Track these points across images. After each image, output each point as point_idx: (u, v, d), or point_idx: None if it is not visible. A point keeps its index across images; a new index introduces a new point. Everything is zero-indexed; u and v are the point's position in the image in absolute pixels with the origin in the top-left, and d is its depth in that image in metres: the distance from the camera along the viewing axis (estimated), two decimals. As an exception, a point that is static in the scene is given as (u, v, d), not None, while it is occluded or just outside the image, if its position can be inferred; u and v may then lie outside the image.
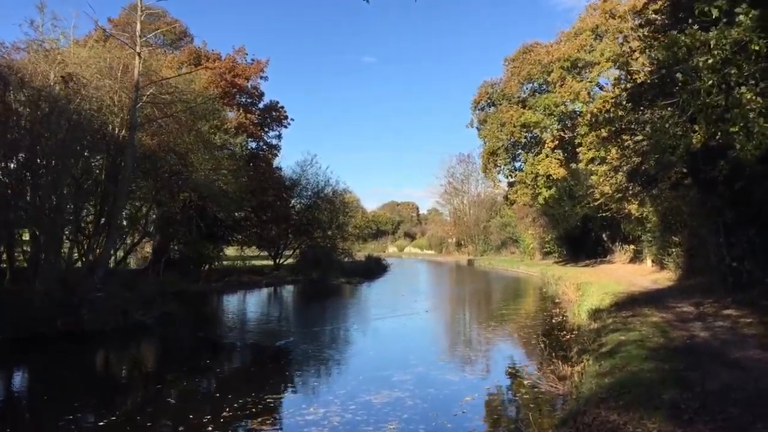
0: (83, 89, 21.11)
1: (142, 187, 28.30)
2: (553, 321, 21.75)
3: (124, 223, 30.18)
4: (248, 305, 31.75)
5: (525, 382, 12.61)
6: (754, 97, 8.59)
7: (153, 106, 24.42)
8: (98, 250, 26.13)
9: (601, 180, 25.18)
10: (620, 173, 18.13)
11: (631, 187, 18.22)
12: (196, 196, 31.26)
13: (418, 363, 14.33)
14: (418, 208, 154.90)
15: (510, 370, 13.91)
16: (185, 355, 17.07)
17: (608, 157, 20.49)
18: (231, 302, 32.49)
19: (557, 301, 28.18)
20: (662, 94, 10.53)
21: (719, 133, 8.93)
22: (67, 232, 25.59)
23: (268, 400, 11.08)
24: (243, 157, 37.27)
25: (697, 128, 9.45)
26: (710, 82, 8.56)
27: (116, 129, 23.38)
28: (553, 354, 16.01)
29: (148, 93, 22.76)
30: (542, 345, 17.75)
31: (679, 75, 9.21)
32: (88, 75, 22.48)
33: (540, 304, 29.01)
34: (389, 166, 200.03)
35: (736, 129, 8.49)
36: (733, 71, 8.63)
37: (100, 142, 24.09)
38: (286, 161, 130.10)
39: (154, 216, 37.19)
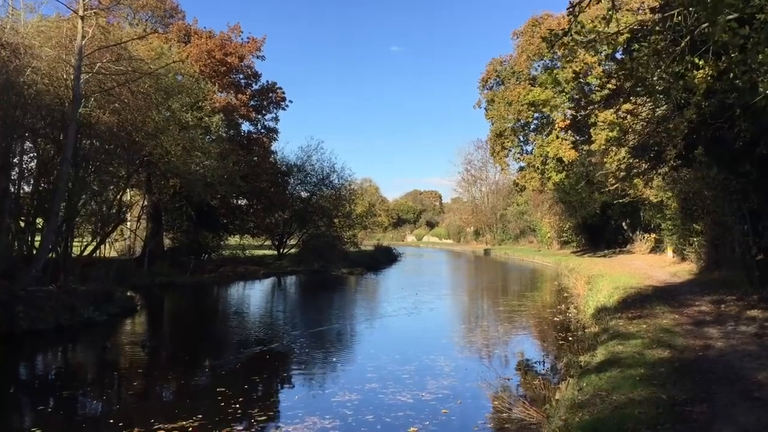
0: (19, 59, 18.89)
1: (110, 171, 25.97)
2: (555, 320, 19.23)
3: (113, 209, 28.20)
4: (230, 300, 29.36)
5: (495, 404, 10.11)
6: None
7: (114, 81, 22.22)
8: (66, 240, 24.22)
9: (613, 162, 22.37)
10: (624, 149, 15.38)
11: (636, 165, 15.44)
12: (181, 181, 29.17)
13: (375, 377, 11.89)
14: (441, 197, 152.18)
15: (482, 387, 11.25)
16: (109, 365, 14.58)
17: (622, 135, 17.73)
18: (214, 296, 30.17)
19: (566, 296, 25.60)
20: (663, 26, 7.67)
21: (732, 66, 6.14)
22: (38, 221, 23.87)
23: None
24: (230, 140, 34.91)
25: (700, 62, 6.71)
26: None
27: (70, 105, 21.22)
28: (541, 365, 13.52)
29: (99, 62, 20.46)
30: (527, 355, 15.19)
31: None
32: (36, 46, 20.41)
33: (547, 299, 26.42)
34: (414, 156, 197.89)
35: (759, 58, 5.65)
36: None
37: (59, 119, 22.12)
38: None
39: (145, 203, 35.34)
